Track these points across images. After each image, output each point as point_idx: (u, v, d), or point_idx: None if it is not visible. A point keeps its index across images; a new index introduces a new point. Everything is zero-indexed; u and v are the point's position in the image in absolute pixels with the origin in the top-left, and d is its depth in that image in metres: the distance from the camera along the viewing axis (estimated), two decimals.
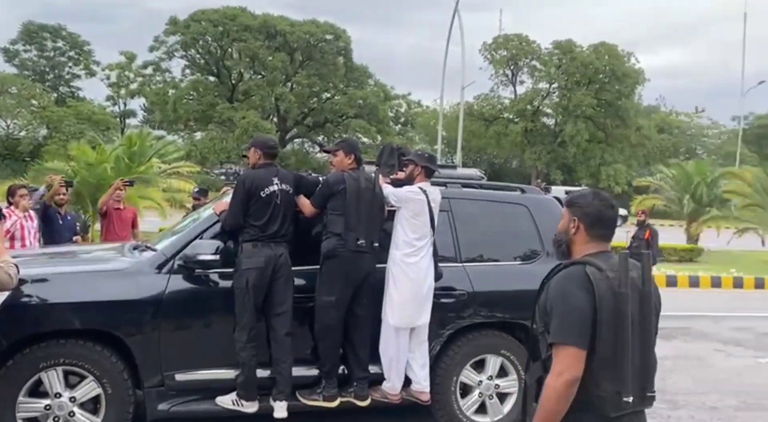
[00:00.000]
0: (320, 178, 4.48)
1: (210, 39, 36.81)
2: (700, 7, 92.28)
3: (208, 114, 35.53)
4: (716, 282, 14.25)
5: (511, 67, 40.13)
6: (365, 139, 35.82)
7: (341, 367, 4.32)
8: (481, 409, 4.56)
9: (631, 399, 2.09)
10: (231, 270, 4.08)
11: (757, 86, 39.41)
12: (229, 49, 37.09)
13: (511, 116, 40.10)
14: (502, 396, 4.63)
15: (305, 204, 4.29)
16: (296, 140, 43.07)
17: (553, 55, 38.20)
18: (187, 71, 39.34)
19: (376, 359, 4.34)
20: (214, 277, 4.13)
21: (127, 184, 8.08)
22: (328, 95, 38.60)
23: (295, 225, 4.29)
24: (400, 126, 44.75)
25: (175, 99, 36.22)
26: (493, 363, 4.57)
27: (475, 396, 4.56)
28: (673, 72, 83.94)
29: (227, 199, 4.35)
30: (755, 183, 17.45)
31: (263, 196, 4.12)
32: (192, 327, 4.13)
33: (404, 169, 4.46)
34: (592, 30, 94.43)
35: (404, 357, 4.29)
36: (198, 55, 38.72)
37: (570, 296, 2.13)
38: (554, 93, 39.13)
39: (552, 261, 4.75)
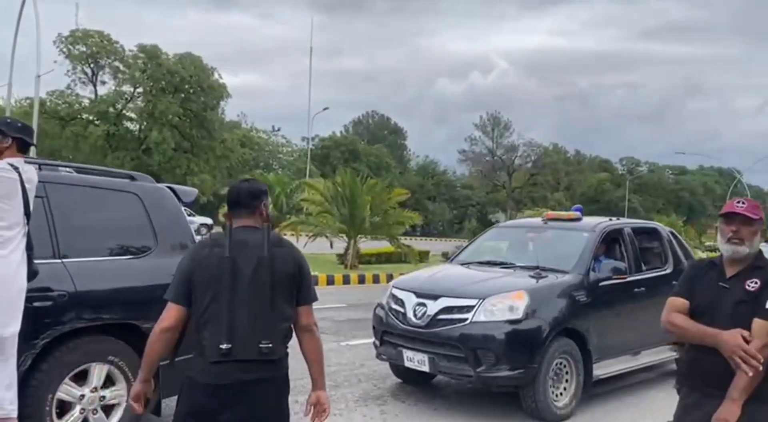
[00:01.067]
0: None
1: None
2: (275, 37, 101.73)
3: None
4: None
5: (92, 65, 37.09)
6: None
7: None
8: None
9: (227, 346, 2.41)
10: None
11: (322, 111, 45.57)
12: None
13: (91, 117, 37.02)
14: (108, 409, 4.08)
15: None
16: None
17: (138, 59, 36.74)
18: None
19: None
20: None
21: None
22: None
23: None
24: None
25: None
26: (98, 372, 3.98)
27: (76, 413, 3.90)
28: (251, 92, 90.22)
29: None
30: (326, 193, 19.85)
31: None
32: None
33: None
34: (176, 41, 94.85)
35: None
36: None
37: (180, 263, 2.59)
38: (139, 97, 37.65)
39: (167, 254, 4.48)
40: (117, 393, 4.07)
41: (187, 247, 4.63)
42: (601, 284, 5.88)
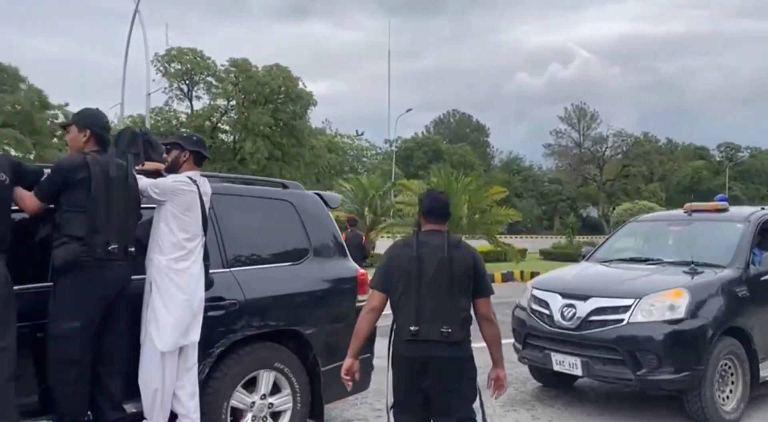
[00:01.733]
0: (43, 167, 3.40)
1: None
2: (351, 43, 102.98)
3: None
4: None
5: (187, 82, 38.78)
6: (17, 152, 30.65)
7: None
8: None
9: (415, 328, 2.95)
10: None
11: (406, 113, 45.73)
12: None
13: (189, 132, 38.72)
14: (276, 416, 4.11)
15: (25, 196, 3.19)
16: None
17: (230, 73, 38.06)
18: None
19: (130, 394, 3.46)
20: None
21: None
22: None
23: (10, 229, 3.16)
24: (56, 139, 39.65)
25: None
26: (266, 379, 4.02)
27: (248, 420, 3.95)
28: (331, 99, 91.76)
29: None
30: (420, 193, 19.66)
31: None
32: None
33: (166, 155, 3.66)
34: (257, 53, 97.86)
35: (171, 387, 3.48)
36: None
37: (382, 258, 3.19)
38: (232, 110, 39.00)
39: (321, 259, 4.49)
40: (283, 400, 4.09)
41: (336, 253, 4.66)
42: (763, 278, 5.44)
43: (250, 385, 3.99)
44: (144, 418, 3.46)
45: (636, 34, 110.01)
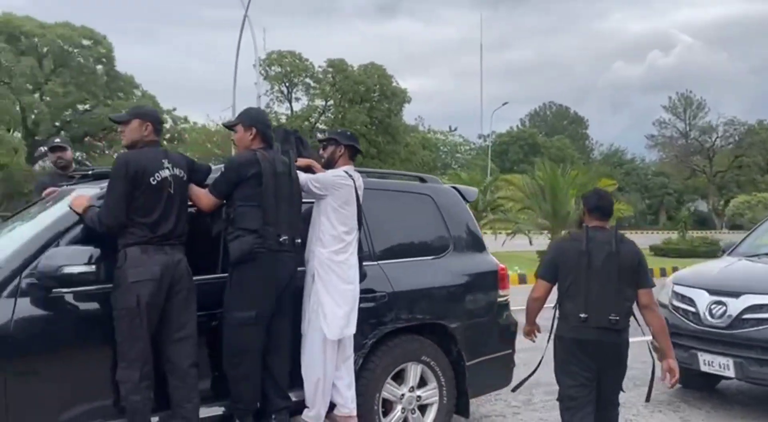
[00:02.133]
0: (211, 165, 3.58)
1: None
2: (440, 39, 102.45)
3: None
4: None
5: (286, 84, 39.92)
6: None
7: None
8: None
9: (584, 315, 3.25)
10: (110, 286, 3.01)
11: (502, 107, 45.01)
12: None
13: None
14: (423, 409, 4.13)
15: (200, 194, 3.36)
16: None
17: (328, 73, 38.84)
18: None
19: (293, 383, 3.58)
20: (85, 297, 3.01)
21: None
22: (87, 106, 34.60)
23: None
24: (166, 142, 41.91)
25: None
26: (413, 372, 4.04)
27: (397, 412, 3.98)
28: (422, 96, 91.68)
29: (85, 191, 3.26)
30: (525, 188, 19.26)
31: (153, 183, 3.11)
32: (53, 368, 2.93)
33: (322, 151, 3.76)
34: (348, 52, 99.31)
35: (331, 377, 3.57)
36: None
37: (548, 251, 3.66)
38: (330, 110, 39.78)
39: (461, 253, 4.46)
40: (430, 393, 4.10)
41: (475, 246, 4.61)
42: None
43: (398, 378, 4.03)
44: (306, 407, 3.57)
45: (744, 15, 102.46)
